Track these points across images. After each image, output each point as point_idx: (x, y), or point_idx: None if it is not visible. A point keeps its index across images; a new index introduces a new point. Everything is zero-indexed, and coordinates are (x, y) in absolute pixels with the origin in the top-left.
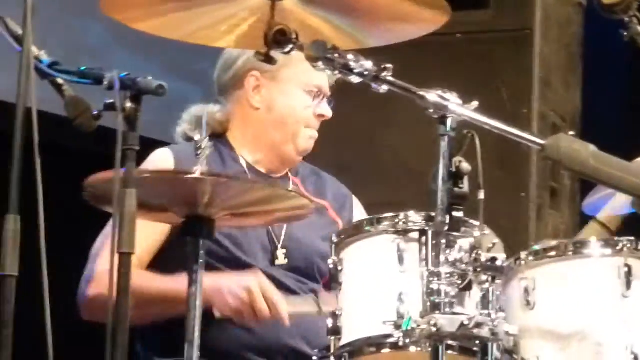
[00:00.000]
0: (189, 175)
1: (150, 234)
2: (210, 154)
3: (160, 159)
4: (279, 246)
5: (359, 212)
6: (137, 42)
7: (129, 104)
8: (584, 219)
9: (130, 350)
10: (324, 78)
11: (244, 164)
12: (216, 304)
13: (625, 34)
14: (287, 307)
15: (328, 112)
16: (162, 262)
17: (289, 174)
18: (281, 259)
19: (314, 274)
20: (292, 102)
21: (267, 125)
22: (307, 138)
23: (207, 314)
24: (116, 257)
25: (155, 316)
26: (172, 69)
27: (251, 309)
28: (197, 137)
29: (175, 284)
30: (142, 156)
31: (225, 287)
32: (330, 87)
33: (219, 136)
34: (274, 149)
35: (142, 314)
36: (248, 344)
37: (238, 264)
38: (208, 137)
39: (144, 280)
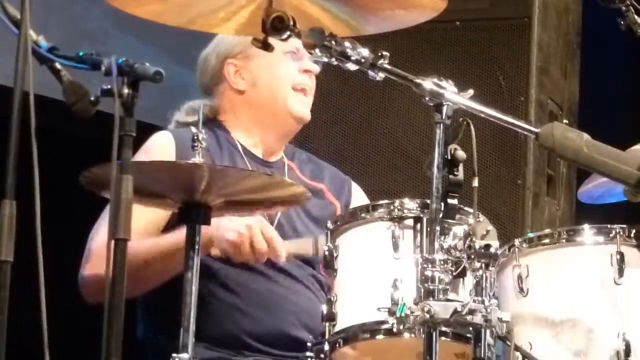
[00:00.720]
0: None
1: (150, 218)
2: (207, 138)
3: (161, 142)
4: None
5: (358, 196)
6: (138, 27)
7: (126, 90)
8: (580, 207)
9: (132, 332)
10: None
11: (240, 148)
12: (214, 240)
13: (622, 22)
14: (285, 246)
15: (313, 67)
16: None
17: (285, 159)
18: None
19: (311, 260)
20: (272, 70)
21: (257, 103)
22: (299, 101)
23: (203, 295)
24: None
25: (160, 275)
26: (172, 55)
27: (249, 245)
28: (194, 129)
29: (172, 235)
30: (141, 141)
31: (224, 224)
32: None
33: (213, 120)
34: (271, 125)
35: (144, 276)
36: (247, 329)
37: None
38: (203, 123)
39: (139, 243)
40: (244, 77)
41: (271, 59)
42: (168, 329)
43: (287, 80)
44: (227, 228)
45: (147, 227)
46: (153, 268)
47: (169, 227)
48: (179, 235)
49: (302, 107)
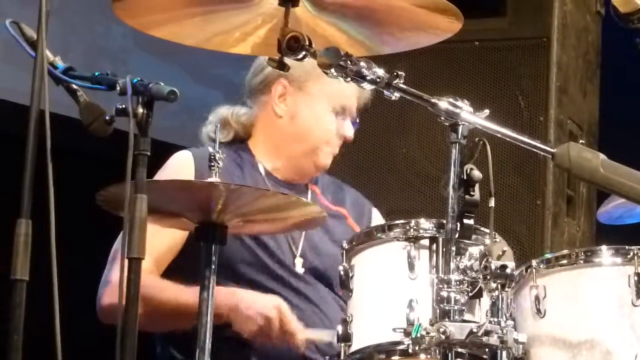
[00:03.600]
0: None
1: (167, 238)
2: (229, 160)
3: (181, 162)
4: (297, 254)
5: (377, 222)
6: (158, 46)
7: (140, 109)
8: (600, 228)
9: (150, 352)
10: (351, 98)
11: (263, 171)
12: (235, 324)
13: None
14: (303, 335)
15: (350, 134)
16: (179, 267)
17: (308, 183)
18: (298, 267)
19: (331, 283)
20: (315, 116)
21: (288, 135)
22: (327, 155)
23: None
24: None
25: (171, 325)
26: (193, 74)
27: (266, 337)
28: (211, 149)
29: (193, 296)
30: (161, 160)
31: (244, 311)
32: (358, 109)
33: (240, 141)
34: (293, 160)
35: (157, 322)
36: (259, 350)
37: (266, 271)
38: (230, 142)
39: (162, 289)
40: (287, 104)
41: (319, 104)
42: (186, 349)
43: (323, 134)
44: (246, 316)
45: (161, 253)
46: (170, 319)
47: (186, 247)
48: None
49: (329, 159)
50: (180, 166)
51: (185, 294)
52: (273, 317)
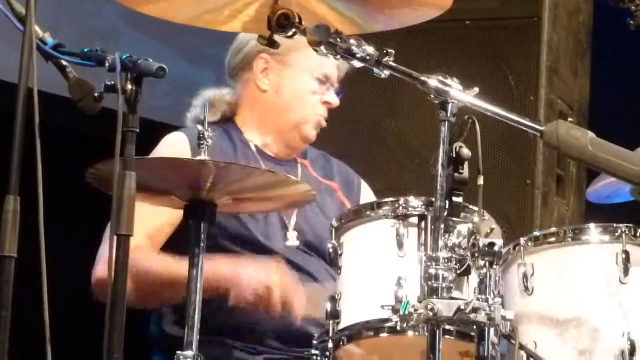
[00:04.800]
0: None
1: (162, 214)
2: (220, 137)
3: (175, 143)
4: (290, 228)
5: (366, 195)
6: (150, 26)
7: (129, 86)
8: (590, 207)
9: (139, 328)
10: (332, 67)
11: (254, 148)
12: (232, 293)
13: (631, 22)
14: (302, 305)
15: (334, 100)
16: (175, 244)
17: (297, 157)
18: (292, 240)
19: (325, 254)
20: (298, 86)
21: (274, 109)
22: (313, 126)
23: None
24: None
25: (162, 299)
26: (184, 54)
27: (266, 306)
28: (200, 127)
29: (184, 267)
30: (153, 140)
31: (245, 280)
32: (339, 79)
33: (228, 120)
34: (280, 134)
35: (148, 295)
36: (257, 322)
37: (257, 246)
38: (217, 121)
39: (152, 262)
40: (270, 79)
41: (302, 75)
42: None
43: (308, 103)
44: (247, 285)
45: (156, 229)
46: (164, 291)
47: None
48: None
49: (314, 132)
50: (174, 148)
51: (175, 265)
52: (273, 285)
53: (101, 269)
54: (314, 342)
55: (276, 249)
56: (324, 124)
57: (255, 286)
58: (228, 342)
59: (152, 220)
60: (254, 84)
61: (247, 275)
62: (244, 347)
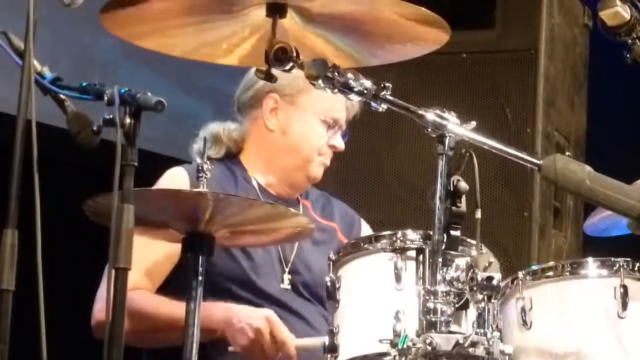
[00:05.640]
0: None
1: (160, 250)
2: (222, 174)
3: (175, 178)
4: (287, 270)
5: (366, 233)
6: (147, 58)
7: (128, 120)
8: (587, 240)
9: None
10: (341, 111)
11: (256, 186)
12: (228, 338)
13: (628, 55)
14: (295, 345)
15: (340, 145)
16: (173, 282)
17: (299, 198)
18: (286, 284)
19: (322, 297)
20: (306, 130)
21: (280, 149)
22: (318, 166)
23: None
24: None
25: (164, 341)
26: (181, 85)
27: (259, 349)
28: (199, 160)
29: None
30: (148, 170)
31: (236, 325)
32: (347, 121)
33: (232, 156)
34: (285, 174)
35: (150, 338)
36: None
37: (251, 287)
38: (221, 158)
39: (156, 305)
40: (278, 119)
41: (310, 118)
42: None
43: (315, 147)
44: (238, 329)
45: (154, 265)
46: (162, 333)
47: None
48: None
49: (320, 170)
50: (174, 182)
51: (179, 310)
52: (263, 328)
53: (100, 309)
54: None
55: (270, 292)
56: (328, 163)
57: (247, 328)
58: None
59: (150, 257)
60: (262, 123)
61: (238, 319)
62: None
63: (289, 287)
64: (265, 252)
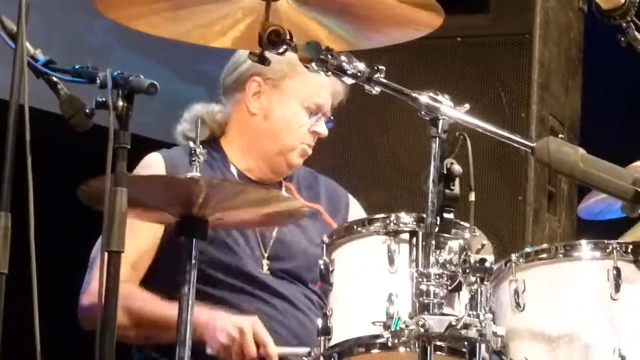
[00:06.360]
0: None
1: (142, 240)
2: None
3: (151, 164)
4: (265, 255)
5: (355, 213)
6: (141, 43)
7: (120, 102)
8: (581, 224)
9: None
10: (326, 97)
11: (235, 172)
12: (207, 338)
13: (622, 39)
14: (278, 352)
15: (323, 131)
16: (157, 273)
17: (282, 181)
18: (265, 270)
19: (305, 279)
20: (288, 114)
21: (261, 133)
22: (299, 154)
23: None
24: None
25: (154, 338)
26: (176, 71)
27: (239, 348)
28: (192, 144)
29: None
30: (143, 156)
31: (218, 324)
32: (333, 107)
33: (214, 140)
34: (265, 159)
35: (140, 334)
36: None
37: (232, 271)
38: (203, 141)
39: (146, 303)
40: (261, 102)
41: (293, 103)
42: (164, 348)
43: (296, 133)
44: (219, 328)
45: (138, 257)
46: (157, 332)
47: (164, 244)
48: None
49: (301, 158)
50: (150, 168)
51: (172, 309)
52: (246, 328)
53: (88, 295)
54: (304, 358)
55: (255, 275)
56: (310, 152)
57: (228, 327)
58: None
59: (134, 248)
60: (245, 106)
61: (221, 320)
62: None
63: (268, 272)
64: (244, 236)
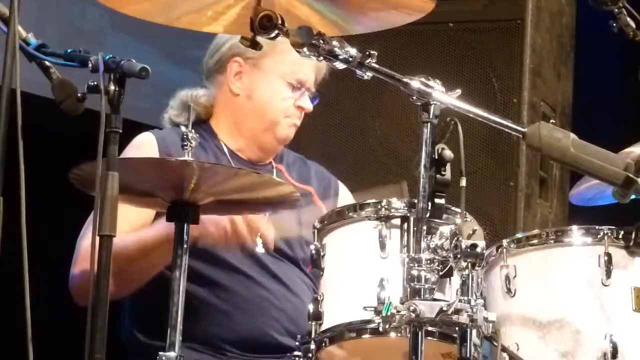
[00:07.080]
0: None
1: (139, 215)
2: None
3: (144, 143)
4: (258, 234)
5: (344, 198)
6: (134, 28)
7: (112, 87)
8: (573, 210)
9: (114, 333)
10: (307, 72)
11: (227, 151)
12: (196, 232)
13: (614, 25)
14: (271, 230)
15: (308, 105)
16: None
17: (273, 162)
18: (260, 247)
19: (297, 260)
20: (270, 92)
21: (246, 113)
22: (287, 127)
23: (187, 296)
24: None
25: (144, 272)
26: (168, 56)
27: (233, 234)
28: (183, 128)
29: (153, 229)
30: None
31: (206, 218)
32: (316, 82)
33: (202, 122)
34: (254, 137)
35: (129, 274)
36: (225, 333)
37: (229, 249)
38: (193, 125)
39: (121, 240)
40: (243, 82)
41: (274, 80)
42: (154, 329)
43: (280, 108)
44: (208, 222)
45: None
46: (137, 265)
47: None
48: (160, 228)
49: (290, 131)
50: (143, 148)
51: (144, 233)
52: (236, 217)
53: (79, 265)
54: (297, 343)
55: (251, 254)
56: (298, 124)
57: (218, 220)
58: (197, 348)
59: (130, 221)
60: (227, 88)
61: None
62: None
63: (263, 250)
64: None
